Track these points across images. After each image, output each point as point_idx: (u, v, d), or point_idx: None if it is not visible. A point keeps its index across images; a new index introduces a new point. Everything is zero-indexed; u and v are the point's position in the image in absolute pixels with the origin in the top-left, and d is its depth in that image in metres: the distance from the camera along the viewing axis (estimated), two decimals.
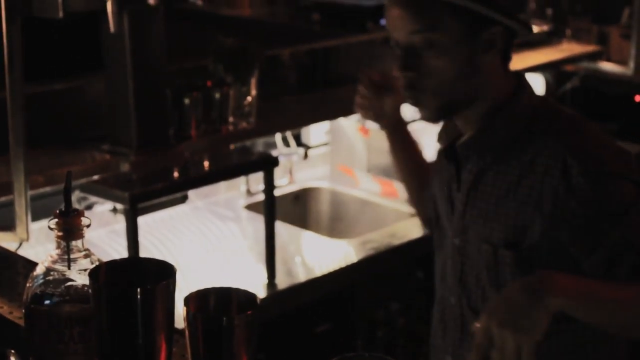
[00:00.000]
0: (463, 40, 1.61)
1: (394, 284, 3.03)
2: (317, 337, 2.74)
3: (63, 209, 1.28)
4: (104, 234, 2.84)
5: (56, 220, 1.28)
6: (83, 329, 1.28)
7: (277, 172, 2.84)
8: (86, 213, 1.32)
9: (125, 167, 2.58)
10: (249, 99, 2.90)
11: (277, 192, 2.85)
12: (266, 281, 2.73)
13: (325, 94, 3.64)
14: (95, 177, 2.57)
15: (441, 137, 1.81)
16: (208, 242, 2.90)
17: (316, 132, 3.58)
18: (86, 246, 1.31)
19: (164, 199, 2.81)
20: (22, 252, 2.37)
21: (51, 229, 1.29)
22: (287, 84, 3.74)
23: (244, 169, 2.87)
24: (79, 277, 1.30)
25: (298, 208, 3.41)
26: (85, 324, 1.28)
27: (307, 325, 2.76)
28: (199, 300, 1.25)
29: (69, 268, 1.30)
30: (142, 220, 2.59)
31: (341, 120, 3.50)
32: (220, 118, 2.83)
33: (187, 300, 1.23)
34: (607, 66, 4.39)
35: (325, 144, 3.60)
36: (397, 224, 3.13)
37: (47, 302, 1.28)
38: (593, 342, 1.70)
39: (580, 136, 1.63)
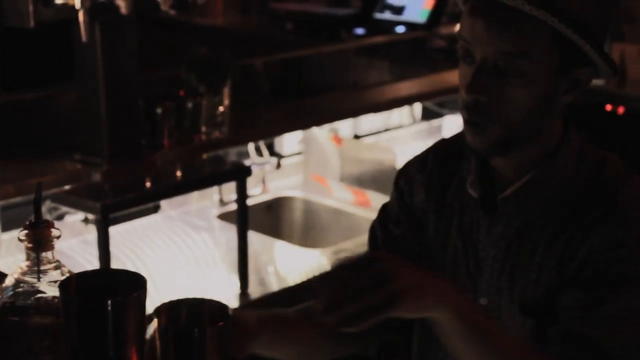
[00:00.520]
0: (553, 75, 1.40)
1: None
2: None
3: (33, 220, 1.27)
4: (75, 244, 2.82)
5: (26, 231, 1.27)
6: (53, 341, 1.28)
7: (250, 181, 2.84)
8: (57, 223, 1.31)
9: (96, 177, 2.57)
10: (222, 108, 2.90)
11: (249, 202, 2.85)
12: (239, 291, 2.72)
13: (298, 104, 3.65)
14: (67, 187, 2.56)
15: (474, 184, 1.54)
16: (180, 252, 2.90)
17: (289, 142, 3.58)
18: (57, 257, 1.30)
19: (136, 209, 2.80)
20: None
21: (21, 240, 1.28)
22: (260, 93, 3.74)
23: (216, 179, 2.87)
24: (49, 289, 1.29)
25: (271, 217, 3.40)
26: (56, 336, 1.27)
27: None
28: (171, 311, 1.24)
29: (39, 280, 1.29)
30: (114, 230, 2.58)
31: (314, 130, 3.50)
32: (193, 127, 2.83)
33: (159, 311, 1.23)
34: None
35: (298, 154, 3.60)
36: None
37: (16, 314, 1.27)
38: None
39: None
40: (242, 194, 2.73)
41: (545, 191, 1.47)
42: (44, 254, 1.29)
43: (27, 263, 1.29)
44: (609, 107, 4.26)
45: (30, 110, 2.80)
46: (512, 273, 1.49)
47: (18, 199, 2.55)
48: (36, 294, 1.29)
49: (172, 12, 2.57)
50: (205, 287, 2.75)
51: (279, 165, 3.44)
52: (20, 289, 1.28)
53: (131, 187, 2.57)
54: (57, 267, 1.30)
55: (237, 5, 6.24)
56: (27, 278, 1.28)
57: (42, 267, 1.29)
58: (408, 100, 3.80)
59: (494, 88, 1.39)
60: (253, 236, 2.92)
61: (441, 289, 1.29)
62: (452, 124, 3.95)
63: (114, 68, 2.56)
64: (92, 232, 2.81)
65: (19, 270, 1.29)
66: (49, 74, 2.95)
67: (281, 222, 3.44)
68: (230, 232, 2.96)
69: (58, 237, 1.29)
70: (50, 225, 1.28)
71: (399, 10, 5.16)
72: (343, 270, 1.29)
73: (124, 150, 2.61)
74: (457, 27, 1.46)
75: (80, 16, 2.39)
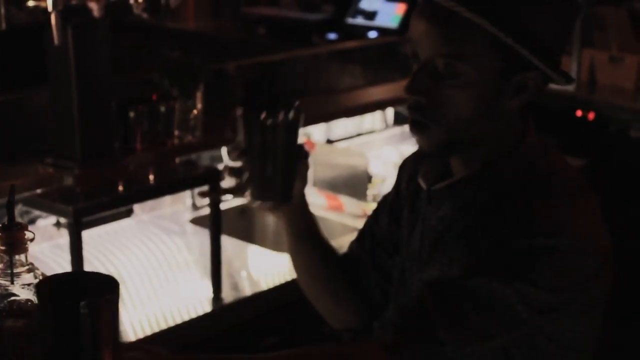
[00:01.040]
0: (493, 79, 1.39)
1: None
2: (263, 350, 2.72)
3: (6, 223, 1.27)
4: (47, 249, 2.81)
5: None
6: (26, 344, 1.27)
7: (223, 185, 2.83)
8: (29, 227, 1.30)
9: (69, 180, 2.56)
10: (195, 112, 2.89)
11: (222, 206, 2.84)
12: (212, 295, 2.72)
13: None
14: (39, 190, 2.55)
15: (425, 176, 1.56)
16: (153, 257, 2.88)
17: None
18: (30, 260, 1.30)
19: (108, 212, 2.79)
20: None
21: None
22: (233, 97, 3.73)
23: (189, 183, 2.87)
24: (22, 292, 1.28)
25: (244, 222, 3.40)
26: (29, 339, 1.26)
27: (254, 338, 2.75)
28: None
29: (12, 282, 1.28)
30: (86, 234, 2.56)
31: None
32: (166, 131, 2.82)
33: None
34: None
35: None
36: (342, 238, 3.13)
37: None
38: None
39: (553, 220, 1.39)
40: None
41: (481, 189, 1.46)
42: (17, 257, 1.28)
43: (0, 266, 1.28)
44: (579, 113, 4.29)
45: (1, 113, 2.78)
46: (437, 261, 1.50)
47: None
48: (9, 297, 1.28)
49: (145, 15, 2.57)
50: (178, 292, 2.74)
51: None
52: None
53: (104, 191, 2.55)
54: (30, 270, 1.30)
55: (208, 10, 6.24)
56: (0, 281, 1.28)
57: (16, 270, 1.28)
58: (380, 105, 3.82)
59: (433, 90, 1.40)
60: (226, 240, 2.91)
61: None
62: None
63: (87, 71, 2.54)
64: (64, 236, 2.79)
65: None
66: (21, 77, 2.93)
67: (254, 227, 3.44)
68: (203, 236, 2.96)
69: (32, 240, 1.28)
70: (23, 227, 1.28)
71: (371, 15, 5.19)
72: None
73: (97, 154, 2.60)
74: None
75: (53, 19, 2.38)
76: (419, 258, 1.56)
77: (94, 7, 2.46)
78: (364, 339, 1.61)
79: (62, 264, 2.66)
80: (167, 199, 3.19)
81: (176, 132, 2.86)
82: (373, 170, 3.54)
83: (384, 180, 3.58)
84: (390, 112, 4.03)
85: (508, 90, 1.40)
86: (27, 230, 1.28)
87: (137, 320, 2.59)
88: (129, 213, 3.01)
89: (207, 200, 2.95)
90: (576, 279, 1.36)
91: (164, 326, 2.57)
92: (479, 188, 1.47)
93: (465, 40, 1.37)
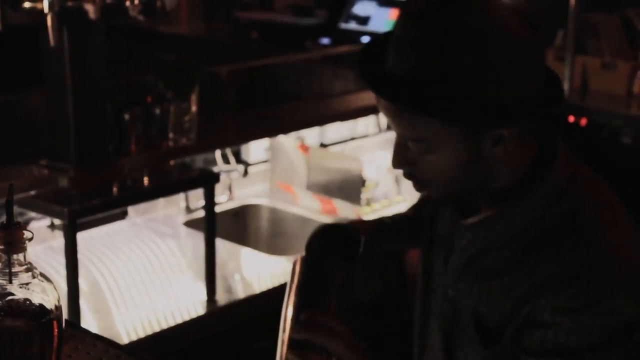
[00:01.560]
0: (461, 143, 1.38)
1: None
2: (257, 353, 2.73)
3: (5, 222, 1.27)
4: (41, 251, 2.80)
5: None
6: (25, 344, 1.27)
7: (217, 188, 2.83)
8: None
9: (63, 182, 2.55)
10: (189, 115, 2.89)
11: (216, 209, 2.84)
12: (206, 298, 2.72)
13: (265, 112, 3.65)
14: (33, 192, 2.54)
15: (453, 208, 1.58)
16: (147, 259, 2.88)
17: (256, 149, 3.58)
18: (28, 260, 1.30)
19: (103, 215, 2.79)
20: None
21: None
22: (226, 101, 3.74)
23: (184, 185, 2.87)
24: (21, 291, 1.28)
25: (237, 225, 3.40)
26: (27, 339, 1.26)
27: (247, 341, 2.75)
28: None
29: (10, 282, 1.28)
30: (80, 236, 2.56)
31: (281, 138, 3.50)
32: (161, 134, 2.82)
33: None
34: None
35: (265, 161, 3.61)
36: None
37: None
38: None
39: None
40: (209, 201, 2.73)
41: (503, 227, 1.45)
42: (15, 256, 1.28)
43: None
44: (571, 119, 4.30)
45: None
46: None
47: None
48: (7, 297, 1.28)
49: (141, 17, 2.56)
50: (172, 294, 2.74)
51: (246, 173, 3.44)
52: None
53: (98, 193, 2.55)
54: (28, 270, 1.30)
55: (201, 14, 6.23)
56: None
57: (14, 269, 1.28)
58: (374, 110, 3.82)
59: (415, 159, 1.43)
60: (220, 243, 2.91)
61: None
62: None
63: (82, 73, 2.54)
64: (58, 239, 2.79)
65: None
66: (16, 78, 2.92)
67: (248, 230, 3.44)
68: (196, 239, 2.96)
69: (30, 239, 1.28)
70: (22, 227, 1.28)
71: (364, 20, 5.19)
72: None
73: (91, 156, 2.60)
74: None
75: (49, 20, 2.37)
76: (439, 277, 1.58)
77: (89, 9, 2.45)
78: None
79: (55, 267, 2.66)
80: (161, 202, 3.19)
81: (171, 135, 2.85)
82: (367, 174, 3.55)
83: (378, 184, 3.59)
84: (383, 116, 4.03)
85: (485, 143, 1.39)
86: (25, 229, 1.28)
87: (130, 322, 2.59)
88: (123, 215, 3.01)
89: (200, 203, 2.95)
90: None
91: (157, 329, 2.57)
92: (504, 229, 1.46)
93: (420, 124, 1.38)
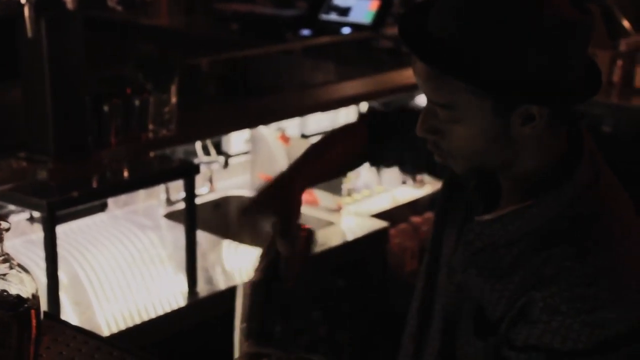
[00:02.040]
0: (491, 116, 1.38)
1: (314, 292, 3.03)
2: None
3: None
4: (20, 244, 2.79)
5: None
6: (2, 334, 1.26)
7: (197, 180, 2.82)
8: None
9: (42, 174, 2.54)
10: (169, 106, 2.88)
11: (197, 201, 2.84)
12: (187, 289, 2.71)
13: (246, 103, 3.64)
14: (12, 184, 2.52)
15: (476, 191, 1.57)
16: (127, 252, 2.87)
17: (236, 141, 3.57)
18: (5, 251, 1.29)
19: (82, 207, 2.77)
20: None
21: None
22: (206, 92, 3.73)
23: (164, 177, 2.85)
24: None
25: (218, 217, 3.39)
26: (5, 330, 1.26)
27: (228, 333, 2.74)
28: None
29: None
30: (60, 229, 2.54)
31: (261, 129, 3.50)
32: (140, 125, 2.81)
33: None
34: None
35: (246, 153, 3.60)
36: (317, 232, 3.13)
37: None
38: None
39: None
40: (190, 193, 2.72)
41: (518, 227, 1.45)
42: None
43: None
44: None
45: None
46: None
47: None
48: None
49: (119, 8, 2.55)
50: (152, 286, 2.73)
51: (226, 164, 3.43)
52: None
53: (78, 185, 2.53)
54: (5, 260, 1.29)
55: (181, 5, 6.21)
56: None
57: None
58: (354, 100, 3.82)
59: (441, 127, 1.43)
60: (200, 235, 2.91)
61: None
62: None
63: (60, 65, 2.52)
64: (37, 232, 2.77)
65: None
66: None
67: (229, 221, 3.43)
68: (177, 231, 2.95)
69: (7, 230, 1.28)
70: None
71: (344, 11, 5.18)
72: None
73: (71, 148, 2.58)
74: None
75: (26, 11, 2.36)
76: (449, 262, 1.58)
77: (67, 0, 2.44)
78: None
79: (35, 260, 2.64)
80: (141, 194, 3.18)
81: (150, 126, 2.84)
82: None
83: (359, 174, 3.59)
84: (364, 106, 4.03)
85: (514, 120, 1.38)
86: (3, 220, 1.27)
87: (111, 315, 2.58)
88: (102, 208, 3.00)
89: (180, 195, 2.94)
90: None
91: (138, 321, 2.56)
92: (518, 229, 1.45)
93: (452, 91, 1.37)
